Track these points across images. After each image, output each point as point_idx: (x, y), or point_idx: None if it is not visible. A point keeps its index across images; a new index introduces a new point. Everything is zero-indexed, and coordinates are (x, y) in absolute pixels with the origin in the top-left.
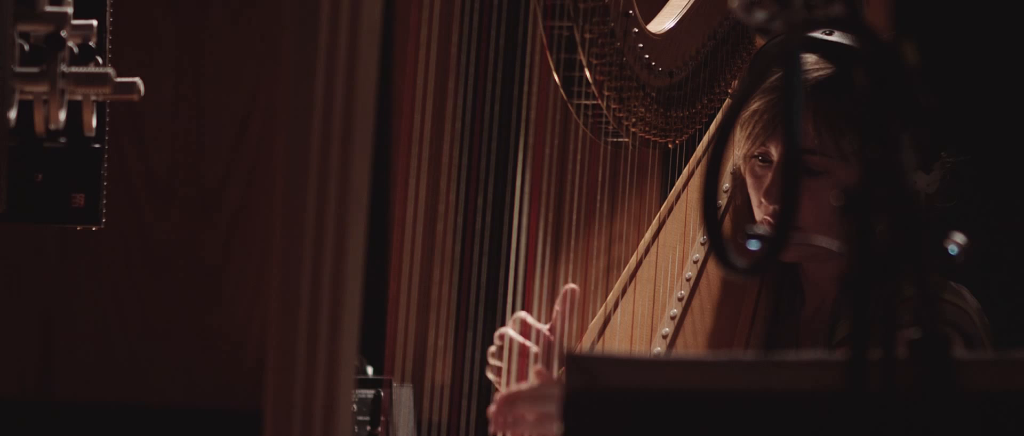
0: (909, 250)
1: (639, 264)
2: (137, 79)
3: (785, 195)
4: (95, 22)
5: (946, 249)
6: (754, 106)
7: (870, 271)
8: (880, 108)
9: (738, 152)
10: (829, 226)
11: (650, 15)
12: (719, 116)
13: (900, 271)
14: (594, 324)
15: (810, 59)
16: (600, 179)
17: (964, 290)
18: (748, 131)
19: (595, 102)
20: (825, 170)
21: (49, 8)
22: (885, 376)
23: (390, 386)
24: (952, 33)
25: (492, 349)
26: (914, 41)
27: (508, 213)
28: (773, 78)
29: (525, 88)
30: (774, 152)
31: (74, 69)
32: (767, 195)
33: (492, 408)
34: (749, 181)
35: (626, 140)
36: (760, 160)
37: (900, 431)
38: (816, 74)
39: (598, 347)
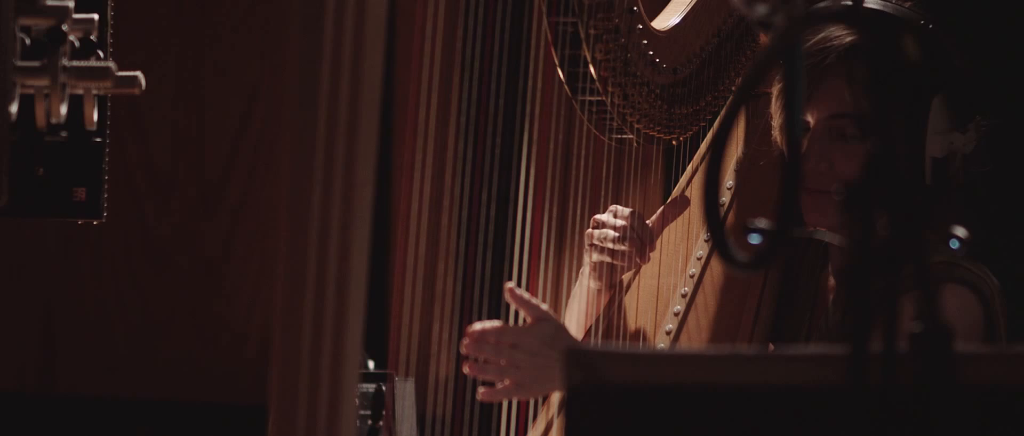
0: (910, 243)
1: None
2: (138, 73)
3: (786, 187)
4: (96, 16)
5: (948, 243)
6: None
7: (871, 264)
8: (878, 96)
9: (775, 122)
10: None
11: (655, 12)
12: (723, 112)
13: (901, 264)
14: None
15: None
16: (604, 175)
17: (986, 269)
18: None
19: (599, 98)
20: (860, 136)
21: (50, 2)
22: (886, 370)
23: (392, 380)
24: (954, 25)
25: (465, 341)
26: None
27: (512, 208)
28: (807, 44)
29: (529, 83)
30: (810, 119)
31: (75, 63)
32: (808, 154)
33: (465, 341)
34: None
35: (630, 136)
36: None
37: (901, 425)
38: (847, 39)
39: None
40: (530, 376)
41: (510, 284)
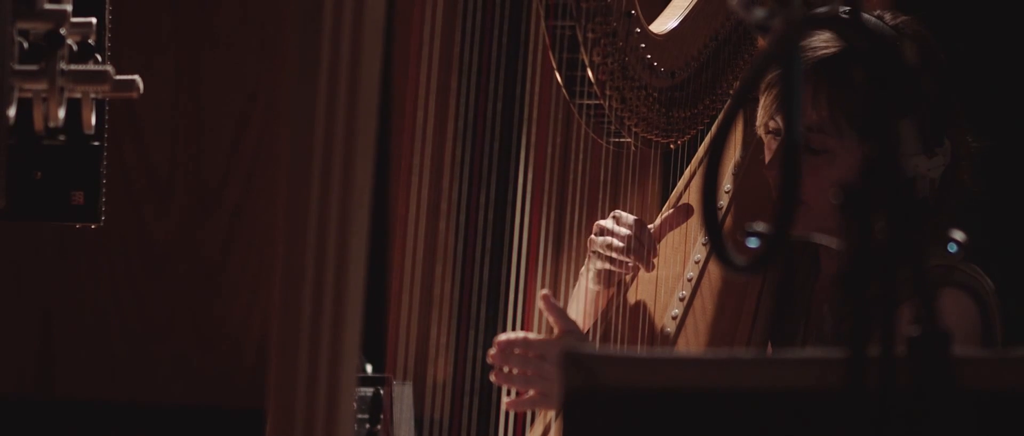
0: (908, 248)
1: None
2: (136, 77)
3: (784, 192)
4: (94, 19)
5: (945, 247)
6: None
7: (869, 268)
8: (880, 105)
9: (760, 111)
10: (832, 204)
11: (652, 15)
12: (720, 116)
13: (898, 269)
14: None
15: (823, 37)
16: (602, 178)
17: (980, 270)
18: (770, 98)
19: (597, 102)
20: (826, 148)
21: (48, 6)
22: (884, 374)
23: (390, 384)
24: (953, 24)
25: (492, 351)
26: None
27: (510, 211)
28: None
29: (527, 87)
30: (780, 124)
31: (73, 67)
32: (768, 168)
33: (493, 351)
34: (766, 153)
35: (628, 140)
36: (775, 135)
37: (899, 429)
38: (821, 52)
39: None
40: (555, 388)
41: (544, 291)
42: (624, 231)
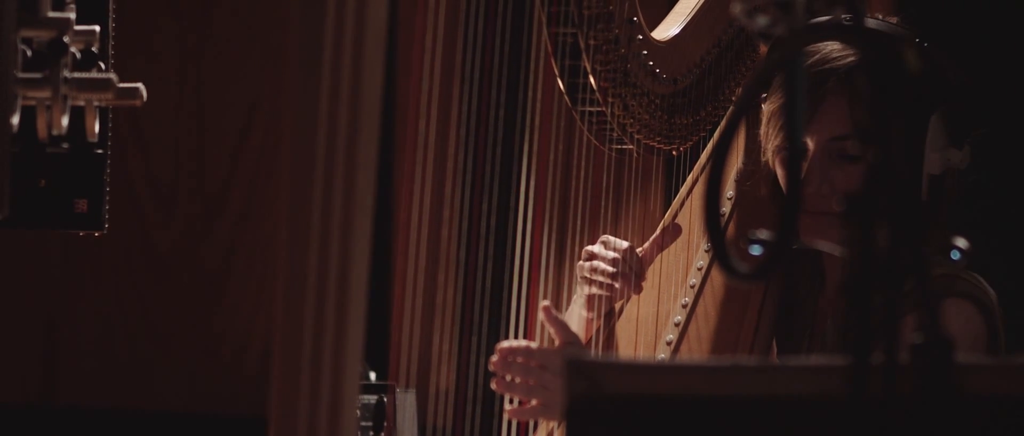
0: (911, 255)
1: None
2: (140, 84)
3: (788, 199)
4: (98, 28)
5: (949, 254)
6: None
7: (872, 276)
8: (881, 110)
9: (768, 146)
10: None
11: (654, 22)
12: (723, 123)
13: (902, 276)
14: (597, 331)
15: (837, 46)
16: (604, 185)
17: (982, 279)
18: (781, 123)
19: (599, 109)
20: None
21: (52, 14)
22: (887, 381)
23: (393, 391)
24: (956, 29)
25: (494, 358)
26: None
27: (512, 218)
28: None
29: (529, 94)
30: (810, 142)
31: (77, 75)
32: (809, 177)
33: (494, 358)
34: (780, 173)
35: (630, 147)
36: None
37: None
38: (848, 59)
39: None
40: (557, 398)
41: (545, 302)
42: (612, 255)
